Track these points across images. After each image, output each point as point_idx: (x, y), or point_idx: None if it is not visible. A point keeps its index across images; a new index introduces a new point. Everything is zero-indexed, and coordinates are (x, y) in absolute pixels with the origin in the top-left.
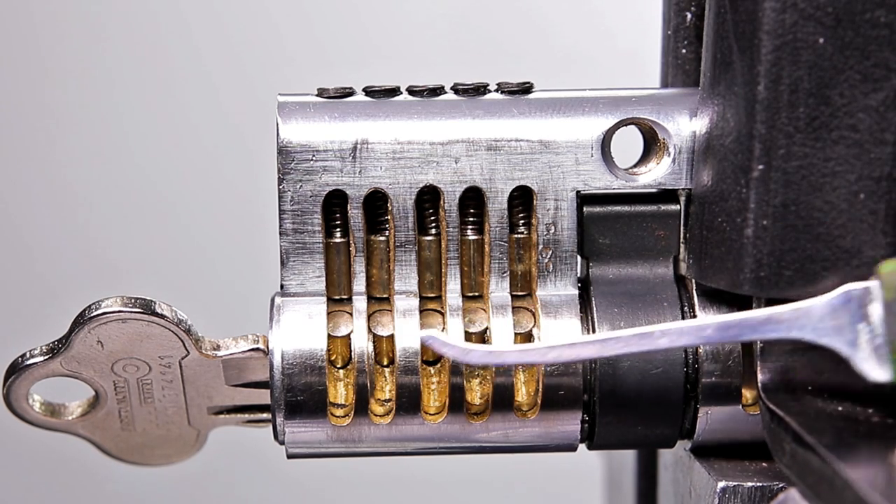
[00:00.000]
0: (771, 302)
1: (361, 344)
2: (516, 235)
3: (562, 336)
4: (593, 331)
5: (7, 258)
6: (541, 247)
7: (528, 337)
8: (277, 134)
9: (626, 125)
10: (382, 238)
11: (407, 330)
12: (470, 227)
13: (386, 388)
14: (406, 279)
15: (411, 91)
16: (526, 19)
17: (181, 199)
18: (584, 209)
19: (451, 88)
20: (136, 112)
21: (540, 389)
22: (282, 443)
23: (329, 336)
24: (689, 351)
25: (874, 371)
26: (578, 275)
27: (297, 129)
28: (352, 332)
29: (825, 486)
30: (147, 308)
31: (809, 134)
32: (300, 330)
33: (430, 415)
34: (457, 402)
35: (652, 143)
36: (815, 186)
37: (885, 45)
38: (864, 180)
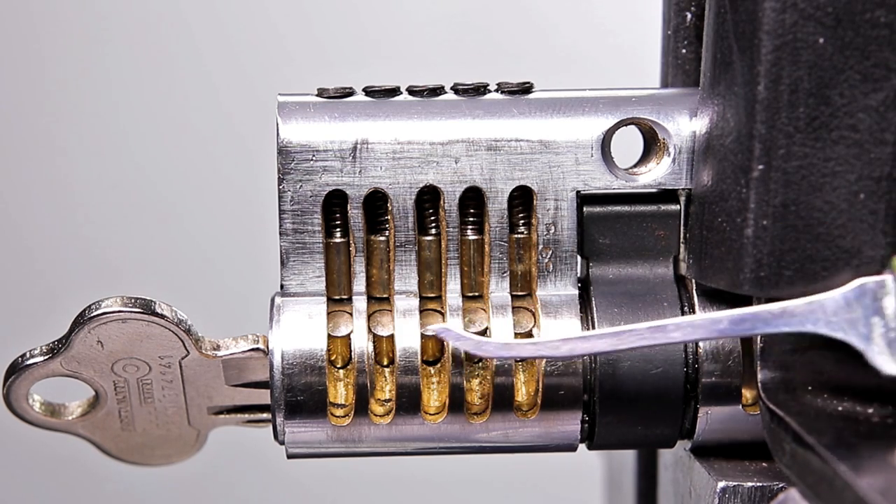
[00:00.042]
0: (771, 302)
1: (361, 344)
2: (516, 235)
3: (570, 334)
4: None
5: (7, 258)
6: (541, 247)
7: (527, 337)
8: (277, 134)
9: (626, 125)
10: (382, 238)
11: (407, 330)
12: (470, 227)
13: (386, 388)
14: (406, 279)
15: (411, 91)
16: (526, 19)
17: (181, 199)
18: (584, 209)
19: (451, 88)
20: (136, 112)
21: (540, 389)
22: (282, 443)
23: (329, 336)
24: (689, 351)
25: (888, 365)
26: (578, 275)
27: (297, 129)
28: (352, 332)
29: (825, 486)
30: (147, 308)
31: (809, 134)
32: (300, 330)
33: (430, 415)
34: (457, 402)
35: (652, 143)
36: (815, 186)
37: (885, 45)
38: (864, 180)
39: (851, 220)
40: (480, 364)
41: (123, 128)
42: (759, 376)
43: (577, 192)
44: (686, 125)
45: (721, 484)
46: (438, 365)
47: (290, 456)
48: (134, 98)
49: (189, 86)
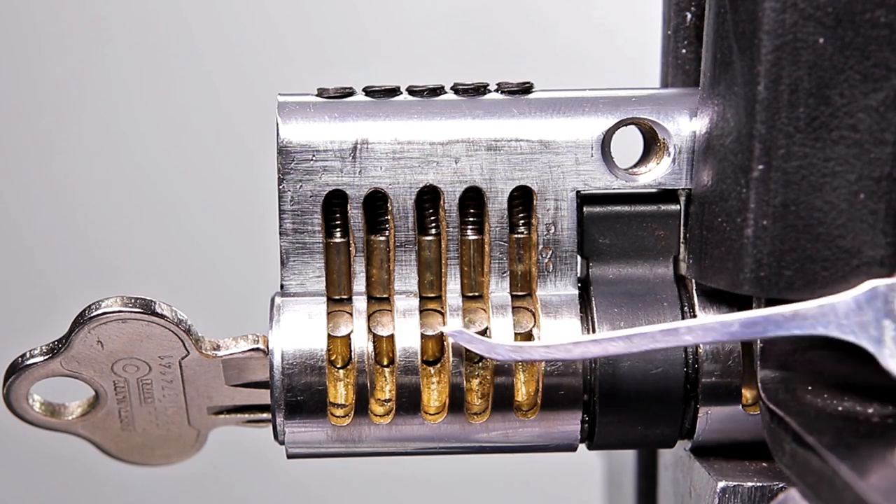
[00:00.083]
0: (771, 302)
1: (361, 344)
2: (516, 235)
3: (570, 334)
4: (593, 331)
5: (7, 258)
6: (541, 247)
7: (528, 337)
8: (277, 134)
9: (626, 125)
10: (382, 238)
11: (407, 330)
12: (470, 227)
13: (386, 388)
14: (406, 279)
15: (411, 91)
16: (526, 19)
17: (181, 199)
18: (584, 209)
19: (451, 88)
20: (136, 112)
21: (540, 389)
22: (282, 443)
23: (329, 336)
24: (689, 351)
25: None
26: (578, 275)
27: (297, 129)
28: (352, 332)
29: (825, 486)
30: (147, 308)
31: (809, 134)
32: (300, 330)
33: (430, 415)
34: (457, 402)
35: (652, 143)
36: (815, 186)
37: (885, 45)
38: (864, 180)
39: (851, 220)
40: (480, 364)
41: (123, 128)
42: (759, 376)
43: (577, 192)
44: (686, 125)
45: (721, 484)
46: (438, 365)
47: (290, 456)
48: (134, 98)
49: (189, 86)
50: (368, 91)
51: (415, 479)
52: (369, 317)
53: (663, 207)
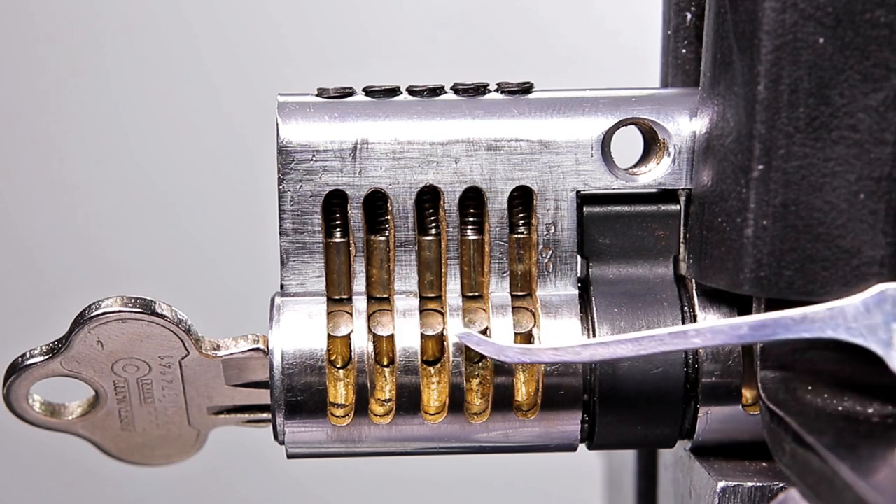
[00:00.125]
0: (771, 302)
1: (361, 344)
2: (516, 235)
3: (570, 334)
4: (593, 331)
5: (7, 258)
6: (541, 247)
7: (528, 337)
8: (277, 134)
9: (626, 125)
10: (382, 238)
11: (407, 330)
12: (470, 227)
13: (386, 388)
14: (406, 279)
15: (411, 91)
16: (526, 19)
17: (181, 199)
18: (584, 209)
19: (451, 88)
20: (136, 112)
21: (540, 389)
22: (282, 443)
23: (329, 336)
24: (689, 351)
25: None
26: (578, 275)
27: (297, 129)
28: (352, 332)
29: (825, 486)
30: (147, 308)
31: (809, 134)
32: (300, 330)
33: (430, 415)
34: (457, 402)
35: (652, 143)
36: (815, 186)
37: (885, 45)
38: (864, 180)
39: (851, 220)
40: (480, 364)
41: (123, 128)
42: (759, 376)
43: (577, 192)
44: (686, 125)
45: (721, 484)
46: (438, 365)
47: (290, 456)
48: (134, 98)
49: (189, 86)
50: (368, 91)
51: (415, 479)
52: (369, 317)
53: (663, 207)
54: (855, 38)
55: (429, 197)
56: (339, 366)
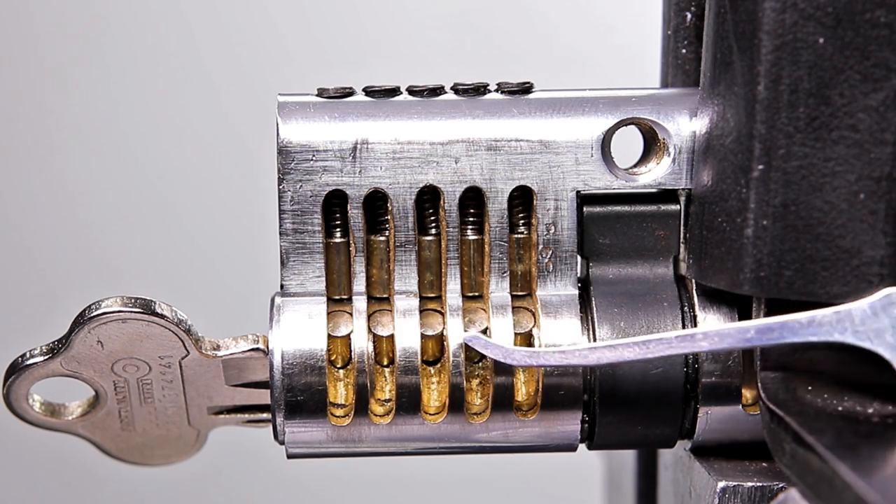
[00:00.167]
0: (771, 302)
1: (361, 344)
2: (516, 235)
3: (570, 334)
4: (593, 331)
5: (7, 258)
6: (541, 247)
7: (528, 337)
8: (277, 134)
9: (626, 125)
10: (382, 238)
11: (407, 330)
12: (470, 227)
13: (386, 388)
14: (406, 279)
15: (411, 91)
16: (526, 19)
17: (181, 199)
18: (584, 209)
19: (451, 88)
20: (136, 112)
21: (540, 389)
22: (282, 443)
23: (329, 336)
24: None
25: None
26: (578, 275)
27: (297, 129)
28: (352, 332)
29: (825, 486)
30: (147, 308)
31: (809, 134)
32: (300, 330)
33: (430, 415)
34: (457, 402)
35: (652, 143)
36: (815, 186)
37: (885, 45)
38: (864, 180)
39: (851, 220)
40: (480, 364)
41: (123, 128)
42: (759, 376)
43: (577, 192)
44: (686, 125)
45: (721, 484)
46: (438, 365)
47: (290, 456)
48: (134, 98)
49: (189, 86)
50: (368, 91)
51: (415, 479)
52: (369, 317)
53: (663, 207)
54: (855, 38)
55: (429, 197)
56: (339, 366)
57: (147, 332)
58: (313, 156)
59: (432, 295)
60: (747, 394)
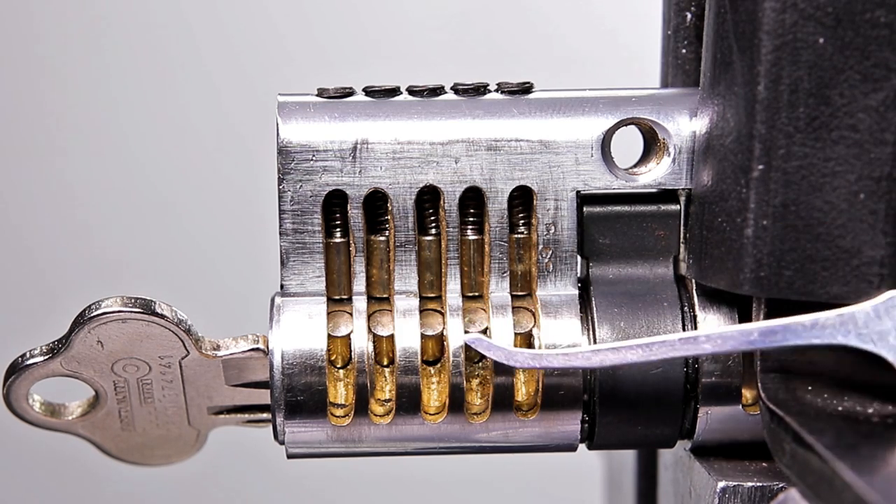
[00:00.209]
0: (771, 302)
1: (361, 344)
2: (516, 235)
3: (570, 334)
4: (593, 331)
5: (7, 258)
6: (541, 247)
7: (528, 337)
8: (277, 134)
9: (626, 125)
10: (382, 238)
11: (407, 330)
12: (470, 227)
13: (386, 388)
14: (406, 279)
15: (411, 91)
16: (526, 19)
17: (181, 199)
18: (584, 209)
19: (451, 88)
20: (136, 112)
21: (540, 389)
22: (282, 443)
23: (329, 336)
24: None
25: None
26: (578, 275)
27: (297, 129)
28: (352, 332)
29: (825, 486)
30: (147, 308)
31: (809, 134)
32: (300, 330)
33: (430, 415)
34: (457, 402)
35: (652, 143)
36: (815, 186)
37: (885, 45)
38: (864, 180)
39: (851, 220)
40: (480, 364)
41: (123, 128)
42: (759, 376)
43: (577, 192)
44: (686, 125)
45: (721, 484)
46: (438, 365)
47: (290, 456)
48: (134, 98)
49: (189, 86)
50: (368, 91)
51: (415, 479)
52: (369, 317)
53: (663, 207)
54: (855, 38)
55: (429, 197)
56: (339, 366)
57: (147, 332)
58: (313, 156)
59: (432, 295)
60: (747, 394)
